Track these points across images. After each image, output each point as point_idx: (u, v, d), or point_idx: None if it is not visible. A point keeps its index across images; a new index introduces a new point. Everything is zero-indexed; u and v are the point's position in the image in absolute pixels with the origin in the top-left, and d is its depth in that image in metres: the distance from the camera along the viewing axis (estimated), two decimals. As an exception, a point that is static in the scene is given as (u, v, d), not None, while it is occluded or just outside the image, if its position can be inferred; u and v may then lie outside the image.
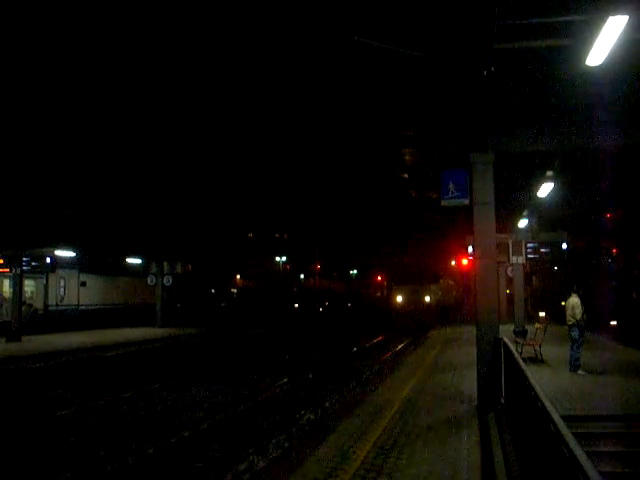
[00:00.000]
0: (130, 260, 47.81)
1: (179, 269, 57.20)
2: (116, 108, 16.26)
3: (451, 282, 63.34)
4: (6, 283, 38.26)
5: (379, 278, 78.50)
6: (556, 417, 5.13)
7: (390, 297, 57.79)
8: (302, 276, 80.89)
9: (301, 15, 10.50)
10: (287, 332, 40.64)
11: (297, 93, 15.02)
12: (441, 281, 57.33)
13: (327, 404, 15.59)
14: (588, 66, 9.49)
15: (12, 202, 24.61)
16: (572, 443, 4.26)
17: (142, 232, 35.66)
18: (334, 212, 38.95)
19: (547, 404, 5.74)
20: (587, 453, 4.22)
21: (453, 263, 54.83)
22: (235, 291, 71.03)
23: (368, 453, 9.22)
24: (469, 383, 14.34)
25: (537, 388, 6.69)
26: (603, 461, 8.71)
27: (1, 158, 19.65)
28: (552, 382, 14.57)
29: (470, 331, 27.75)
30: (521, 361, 9.71)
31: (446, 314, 51.92)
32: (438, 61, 11.02)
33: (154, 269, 47.14)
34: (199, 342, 35.01)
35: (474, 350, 13.52)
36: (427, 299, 52.14)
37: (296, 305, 70.97)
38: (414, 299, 51.21)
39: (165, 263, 47.79)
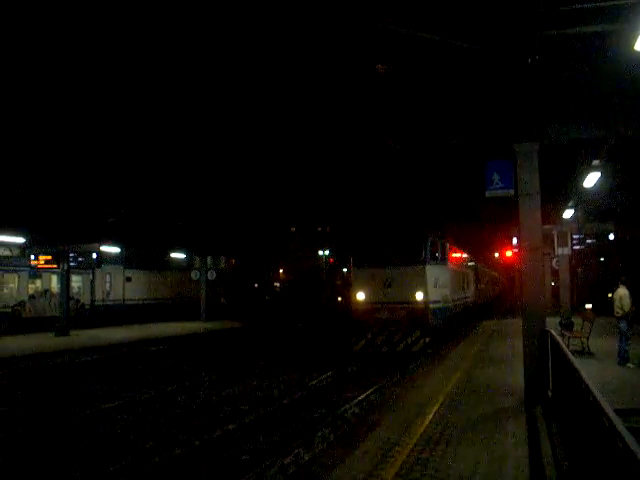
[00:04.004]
0: (174, 255, 48.42)
1: (222, 263, 57.79)
2: (160, 106, 16.41)
3: (484, 268, 42.94)
4: (54, 279, 39.10)
5: None
6: (609, 411, 4.99)
7: (348, 292, 30.76)
8: (345, 269, 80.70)
9: (348, 10, 10.41)
10: (331, 326, 40.61)
11: (338, 86, 14.94)
12: (451, 264, 26.86)
13: (372, 397, 15.54)
14: (637, 51, 9.24)
15: (58, 199, 25.07)
16: (628, 438, 4.13)
17: (186, 227, 35.98)
18: (378, 204, 38.70)
19: (599, 397, 5.60)
20: (642, 448, 4.09)
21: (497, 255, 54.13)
22: (278, 285, 71.35)
23: (414, 446, 9.16)
24: (515, 376, 14.15)
25: (588, 381, 6.53)
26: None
27: (47, 155, 20.00)
28: (600, 375, 14.29)
29: (513, 323, 27.43)
30: (569, 353, 9.54)
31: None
32: (483, 50, 10.85)
33: (198, 264, 47.71)
34: (242, 336, 35.22)
35: (518, 343, 13.34)
36: (419, 296, 22.74)
37: (339, 298, 70.96)
38: (387, 299, 23.15)
39: (209, 258, 48.32)
